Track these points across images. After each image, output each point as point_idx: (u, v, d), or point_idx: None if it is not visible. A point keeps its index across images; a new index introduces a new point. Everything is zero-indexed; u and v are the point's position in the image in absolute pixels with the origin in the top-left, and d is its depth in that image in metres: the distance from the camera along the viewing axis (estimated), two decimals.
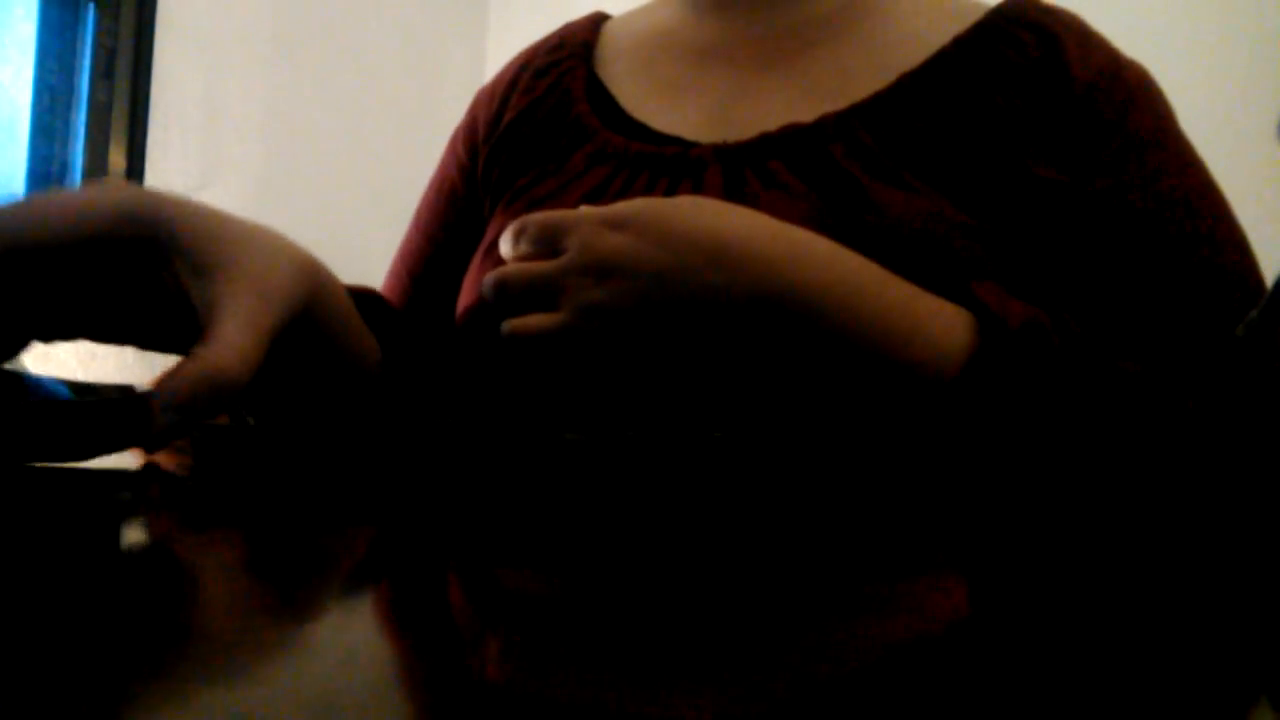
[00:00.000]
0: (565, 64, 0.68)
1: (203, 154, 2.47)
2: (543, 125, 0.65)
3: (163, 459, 0.40)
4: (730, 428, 0.43)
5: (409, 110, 2.66)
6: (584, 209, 0.45)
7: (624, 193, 0.57)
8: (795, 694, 0.10)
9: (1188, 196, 0.54)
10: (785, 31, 0.62)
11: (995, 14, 0.59)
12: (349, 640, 0.12)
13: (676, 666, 0.11)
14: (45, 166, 2.38)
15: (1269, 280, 0.52)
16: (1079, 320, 0.49)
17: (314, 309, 0.43)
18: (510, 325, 0.45)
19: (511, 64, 0.72)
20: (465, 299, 0.62)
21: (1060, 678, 0.11)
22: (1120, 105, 0.55)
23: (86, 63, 2.40)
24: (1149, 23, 1.67)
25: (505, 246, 0.47)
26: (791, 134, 0.56)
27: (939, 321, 0.45)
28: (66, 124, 2.40)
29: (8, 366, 0.39)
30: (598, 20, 0.72)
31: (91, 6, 2.41)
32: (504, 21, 2.89)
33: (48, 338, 0.42)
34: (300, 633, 0.12)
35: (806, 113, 0.57)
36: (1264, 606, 0.16)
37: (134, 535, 0.25)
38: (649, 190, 0.57)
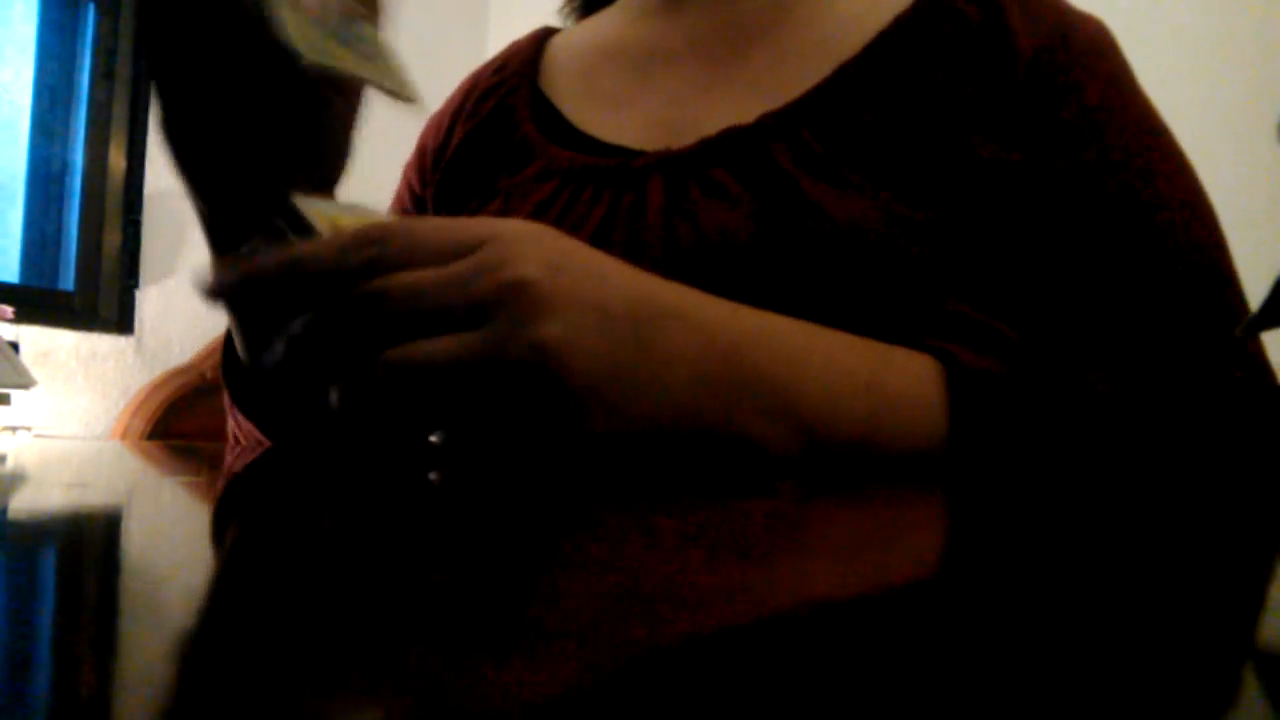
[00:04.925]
0: (509, 83, 0.66)
1: None
2: (490, 149, 0.63)
3: None
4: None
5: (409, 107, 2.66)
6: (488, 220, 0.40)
7: (569, 207, 0.56)
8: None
9: (1147, 168, 0.51)
10: (726, 28, 0.61)
11: None
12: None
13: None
14: (45, 166, 2.38)
15: (1256, 269, 0.52)
16: (1034, 319, 0.48)
17: None
18: (412, 353, 0.35)
19: (459, 89, 0.71)
20: None
21: (1054, 675, 0.11)
22: (1071, 74, 0.52)
23: (86, 63, 2.40)
24: (1149, 23, 1.67)
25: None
26: (732, 137, 0.54)
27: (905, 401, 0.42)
28: (66, 124, 2.40)
29: None
30: (542, 36, 0.71)
31: (91, 6, 2.41)
32: (504, 19, 2.90)
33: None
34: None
35: (749, 112, 0.55)
36: (1260, 604, 0.16)
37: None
38: (593, 204, 0.55)
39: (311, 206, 0.40)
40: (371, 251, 0.37)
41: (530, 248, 0.37)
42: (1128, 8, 0.63)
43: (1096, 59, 0.53)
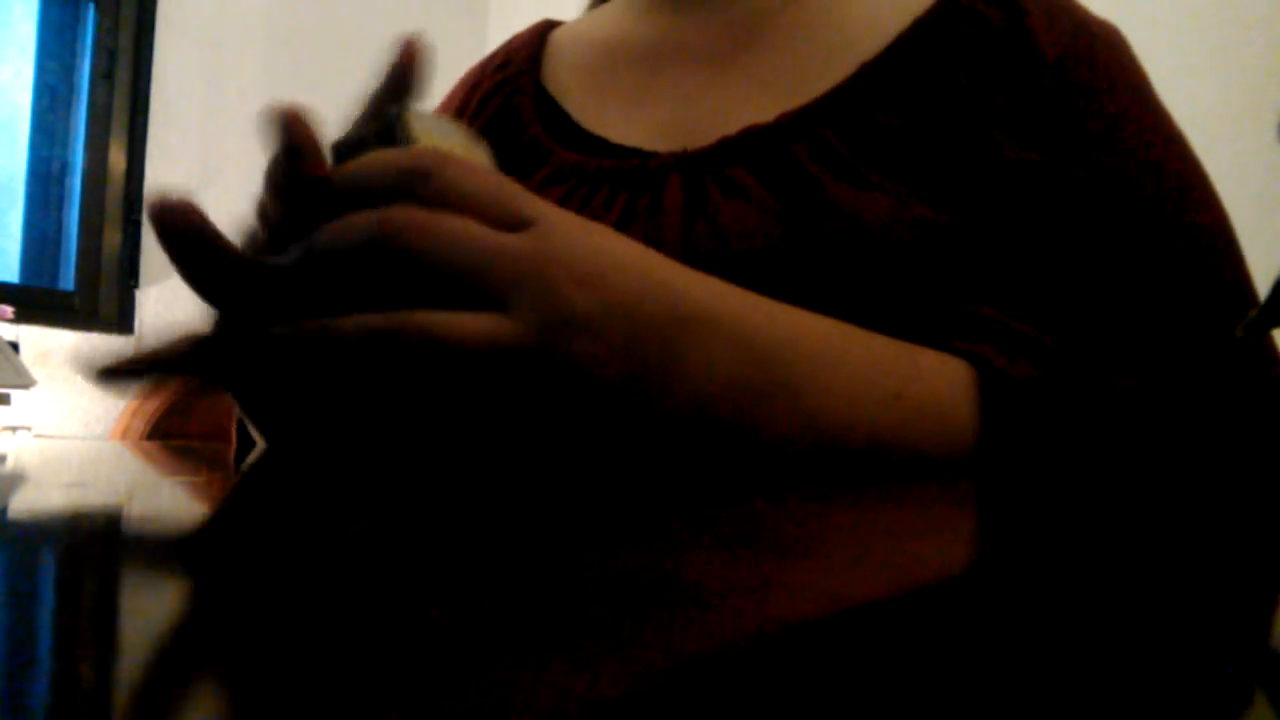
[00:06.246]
0: (512, 83, 0.64)
1: (203, 154, 2.47)
2: (497, 151, 0.63)
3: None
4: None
5: None
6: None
7: (582, 211, 0.54)
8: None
9: (1170, 175, 0.52)
10: (739, 26, 0.59)
11: None
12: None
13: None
14: (45, 166, 2.38)
15: (1256, 269, 0.52)
16: (1060, 321, 0.48)
17: None
18: (440, 324, 0.34)
19: (458, 87, 0.69)
20: None
21: (1053, 676, 0.11)
22: (1095, 81, 0.52)
23: (86, 63, 2.40)
24: (1150, 23, 1.67)
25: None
26: (751, 136, 0.53)
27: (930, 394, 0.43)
28: (66, 124, 2.40)
29: None
30: (543, 30, 0.69)
31: (91, 6, 2.42)
32: (504, 20, 2.89)
33: None
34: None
35: (767, 112, 0.54)
36: (1261, 605, 0.16)
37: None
38: (608, 206, 0.54)
39: (417, 123, 0.38)
40: (414, 183, 0.36)
41: (575, 249, 0.36)
42: (1129, 7, 0.63)
43: (1117, 66, 0.54)
